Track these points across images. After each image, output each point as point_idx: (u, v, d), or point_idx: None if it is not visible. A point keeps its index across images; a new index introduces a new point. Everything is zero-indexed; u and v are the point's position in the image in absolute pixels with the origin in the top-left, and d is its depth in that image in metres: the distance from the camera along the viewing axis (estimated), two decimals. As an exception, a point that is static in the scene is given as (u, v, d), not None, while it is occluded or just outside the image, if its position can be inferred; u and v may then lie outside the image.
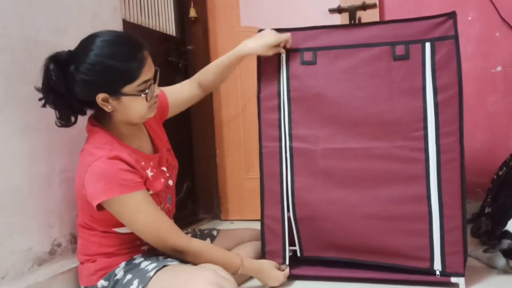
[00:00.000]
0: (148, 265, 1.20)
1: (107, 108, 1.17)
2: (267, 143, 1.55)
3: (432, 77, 1.40)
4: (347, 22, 2.19)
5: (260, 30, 1.55)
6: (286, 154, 1.52)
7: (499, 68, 2.08)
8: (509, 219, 1.54)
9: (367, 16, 2.16)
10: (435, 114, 1.39)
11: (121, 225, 1.23)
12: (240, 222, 2.37)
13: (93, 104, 1.18)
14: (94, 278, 1.24)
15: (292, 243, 1.54)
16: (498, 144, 2.10)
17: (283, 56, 1.53)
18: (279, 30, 1.54)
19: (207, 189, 2.49)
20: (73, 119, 1.22)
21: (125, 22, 1.82)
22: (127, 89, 1.15)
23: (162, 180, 1.30)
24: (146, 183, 1.22)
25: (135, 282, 1.16)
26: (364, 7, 2.16)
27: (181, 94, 1.52)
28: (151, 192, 1.23)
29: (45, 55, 1.36)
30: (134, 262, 1.24)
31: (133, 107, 1.19)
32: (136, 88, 1.16)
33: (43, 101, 1.19)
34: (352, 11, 2.18)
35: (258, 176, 1.57)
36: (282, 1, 2.33)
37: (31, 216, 1.31)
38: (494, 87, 2.09)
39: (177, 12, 2.41)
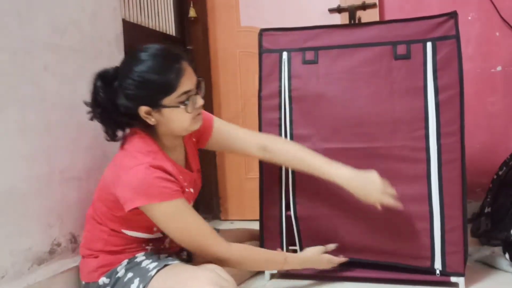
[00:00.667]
0: (149, 264, 1.20)
1: (150, 121, 1.19)
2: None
3: (433, 77, 1.40)
4: (347, 22, 2.19)
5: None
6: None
7: (499, 68, 2.08)
8: (510, 219, 1.54)
9: (367, 16, 2.16)
10: (436, 114, 1.39)
11: (132, 228, 1.23)
12: (240, 222, 2.37)
13: (137, 118, 1.20)
14: (95, 274, 1.24)
15: (292, 243, 1.54)
16: (498, 144, 2.10)
17: (285, 55, 1.53)
18: (280, 30, 1.54)
19: (206, 189, 2.49)
20: (119, 133, 1.25)
21: (125, 22, 1.82)
22: (167, 101, 1.17)
23: (191, 200, 1.31)
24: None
25: (136, 281, 1.16)
26: (364, 6, 2.16)
27: (236, 136, 1.44)
28: None
29: (44, 55, 1.37)
30: (135, 260, 1.24)
31: (175, 119, 1.20)
32: (175, 100, 1.17)
33: (91, 114, 1.23)
34: (352, 11, 2.18)
35: (258, 176, 1.58)
36: (282, 1, 2.32)
37: (31, 216, 1.31)
38: (494, 87, 2.09)
39: (176, 12, 2.41)
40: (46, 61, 1.37)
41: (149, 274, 1.16)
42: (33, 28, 1.34)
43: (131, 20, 2.01)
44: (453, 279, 1.38)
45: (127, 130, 1.28)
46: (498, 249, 1.58)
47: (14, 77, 1.27)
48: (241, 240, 1.62)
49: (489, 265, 1.55)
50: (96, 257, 1.26)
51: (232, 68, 2.42)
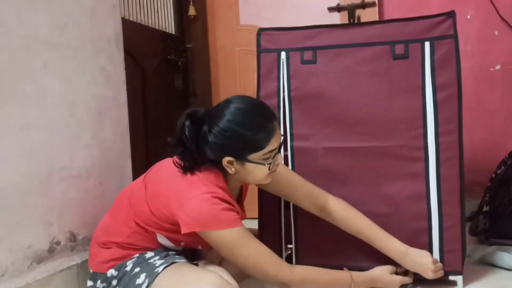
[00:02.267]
0: (156, 260, 1.21)
1: (231, 170, 1.21)
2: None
3: (432, 76, 1.40)
4: (346, 20, 2.19)
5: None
6: (286, 153, 1.52)
7: (498, 67, 2.08)
8: (508, 218, 1.55)
9: (366, 14, 2.16)
10: (435, 112, 1.39)
11: (167, 237, 1.24)
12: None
13: (218, 164, 1.21)
14: (105, 266, 1.25)
15: (289, 242, 1.54)
16: (496, 142, 2.11)
17: (283, 54, 1.53)
18: (278, 29, 1.54)
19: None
20: (195, 168, 1.22)
21: (124, 20, 1.82)
22: (253, 156, 1.18)
23: None
24: None
25: (142, 275, 1.18)
26: (363, 5, 2.16)
27: (295, 188, 1.41)
28: None
29: (44, 53, 1.37)
30: (145, 256, 1.25)
31: (254, 173, 1.22)
32: (261, 157, 1.19)
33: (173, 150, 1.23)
34: (351, 10, 2.18)
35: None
36: (281, 0, 2.33)
37: (30, 213, 1.31)
38: (493, 85, 2.10)
39: (176, 10, 2.41)
40: (45, 58, 1.37)
41: (156, 270, 1.17)
42: (32, 25, 1.34)
43: (131, 18, 2.01)
44: (451, 277, 1.39)
45: None
46: (498, 247, 1.59)
47: (14, 74, 1.28)
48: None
49: (488, 264, 1.55)
50: (109, 248, 1.26)
51: (232, 66, 2.42)
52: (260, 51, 1.57)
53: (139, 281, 1.17)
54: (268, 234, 1.55)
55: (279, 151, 1.23)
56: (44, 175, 1.36)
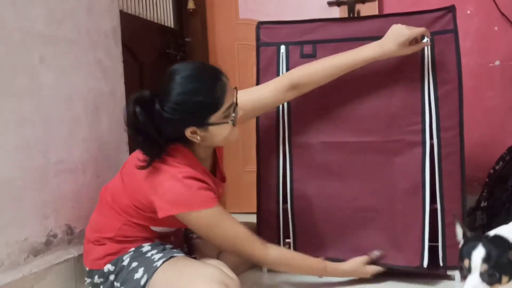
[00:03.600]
0: (154, 255, 1.20)
1: (196, 139, 1.19)
2: (265, 135, 1.55)
3: (432, 71, 1.39)
4: (346, 15, 2.18)
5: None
6: (284, 148, 1.52)
7: (497, 63, 2.07)
8: (505, 214, 1.55)
9: (366, 9, 2.15)
10: (436, 108, 1.39)
11: (157, 224, 1.24)
12: (237, 215, 2.35)
13: (182, 138, 1.20)
14: (101, 262, 1.24)
15: (288, 236, 1.54)
16: (495, 138, 2.10)
17: (283, 48, 1.52)
18: (278, 23, 1.53)
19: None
20: (161, 152, 1.19)
21: (122, 13, 1.81)
22: (213, 118, 1.17)
23: None
24: None
25: (141, 270, 1.17)
26: (363, 0, 2.15)
27: (259, 98, 1.40)
28: None
29: (40, 46, 1.36)
30: (141, 250, 1.24)
31: (219, 133, 1.20)
32: (221, 116, 1.17)
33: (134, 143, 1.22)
34: (351, 4, 2.17)
35: (256, 169, 1.58)
36: (281, -6, 2.31)
37: (26, 207, 1.31)
38: (492, 81, 2.09)
39: (175, 3, 2.40)
40: (42, 52, 1.37)
41: (154, 265, 1.16)
42: (29, 19, 1.33)
43: (129, 12, 2.00)
44: (449, 272, 1.39)
45: None
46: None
47: (10, 68, 1.27)
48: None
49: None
50: (103, 244, 1.25)
51: (231, 60, 2.41)
52: (259, 44, 1.56)
53: (137, 275, 1.16)
54: (266, 228, 1.55)
55: (236, 104, 1.21)
56: (40, 168, 1.35)
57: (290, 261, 1.31)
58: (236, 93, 1.22)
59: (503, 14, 2.04)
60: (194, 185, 1.15)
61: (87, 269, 1.29)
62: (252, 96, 1.38)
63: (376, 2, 2.14)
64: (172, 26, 2.38)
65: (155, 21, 2.23)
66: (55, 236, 1.40)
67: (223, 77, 1.18)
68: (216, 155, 1.37)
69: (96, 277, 1.26)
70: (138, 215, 1.23)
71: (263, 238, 1.53)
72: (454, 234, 1.37)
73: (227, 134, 1.21)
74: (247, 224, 1.69)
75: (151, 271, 1.15)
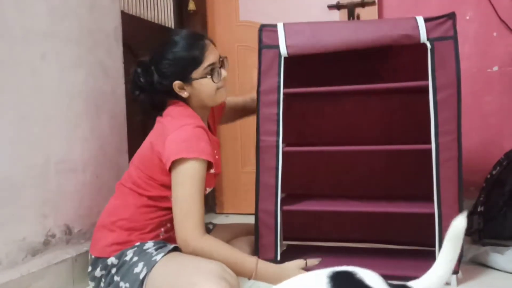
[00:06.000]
0: (154, 249, 1.23)
1: (184, 94, 1.35)
2: (265, 137, 1.55)
3: (432, 77, 1.40)
4: (346, 18, 2.19)
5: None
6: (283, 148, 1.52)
7: (495, 68, 2.09)
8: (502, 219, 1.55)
9: (365, 13, 2.16)
10: (434, 113, 1.40)
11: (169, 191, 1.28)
12: (235, 216, 2.37)
13: (172, 94, 1.35)
14: (108, 250, 1.26)
15: (286, 238, 1.55)
16: (492, 143, 2.11)
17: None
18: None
19: (202, 183, 2.49)
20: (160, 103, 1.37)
21: (123, 14, 1.81)
22: (195, 74, 1.34)
23: (219, 167, 1.41)
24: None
25: (140, 264, 1.19)
26: (363, 4, 2.16)
27: (238, 101, 1.64)
28: (212, 171, 1.31)
29: (42, 44, 1.36)
30: (144, 247, 1.26)
31: (203, 90, 1.35)
32: (202, 72, 1.34)
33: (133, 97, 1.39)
34: (351, 8, 2.18)
35: (254, 170, 1.58)
36: (281, -4, 2.32)
37: (26, 206, 1.31)
38: (490, 86, 2.10)
39: (176, 4, 2.40)
40: (43, 50, 1.37)
41: (154, 259, 1.18)
42: (31, 16, 1.33)
43: (130, 12, 2.00)
44: (445, 276, 1.40)
45: None
46: (491, 248, 1.59)
47: (11, 65, 1.27)
48: (237, 235, 1.63)
49: (481, 264, 1.56)
50: (113, 231, 1.28)
51: (230, 62, 2.36)
52: (261, 47, 1.56)
53: (137, 270, 1.18)
54: (264, 230, 1.55)
55: (221, 67, 1.38)
56: (40, 167, 1.35)
57: (220, 252, 1.20)
58: (224, 61, 1.40)
59: (502, 20, 2.05)
60: (202, 137, 1.26)
61: (93, 257, 1.29)
62: (232, 99, 1.61)
63: (376, 7, 2.15)
64: (173, 26, 2.38)
65: (156, 21, 2.23)
66: (53, 235, 1.40)
67: (205, 39, 1.37)
68: (209, 125, 1.48)
69: (98, 269, 1.27)
70: (151, 187, 1.30)
71: (261, 239, 1.54)
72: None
73: (211, 92, 1.35)
74: (246, 225, 1.70)
75: (150, 265, 1.17)
